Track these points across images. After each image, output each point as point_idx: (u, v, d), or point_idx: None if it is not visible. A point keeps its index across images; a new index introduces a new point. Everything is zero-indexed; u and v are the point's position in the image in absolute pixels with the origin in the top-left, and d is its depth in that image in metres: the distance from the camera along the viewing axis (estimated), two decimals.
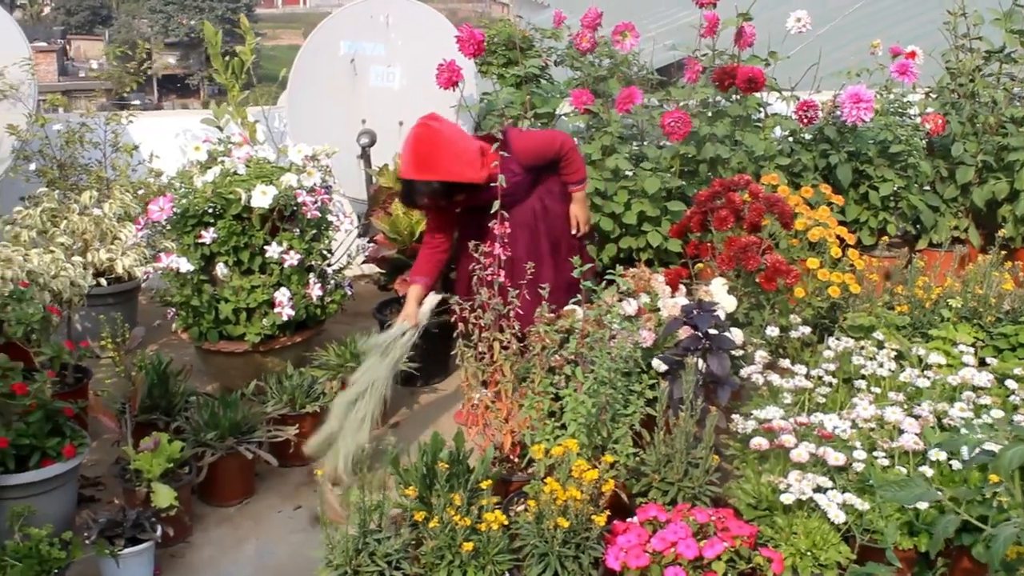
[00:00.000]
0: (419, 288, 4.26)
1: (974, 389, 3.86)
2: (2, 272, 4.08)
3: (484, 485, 3.24)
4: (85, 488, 4.06)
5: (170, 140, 5.80)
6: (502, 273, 3.85)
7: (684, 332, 3.91)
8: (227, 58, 5.66)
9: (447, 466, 3.28)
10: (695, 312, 3.77)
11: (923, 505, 3.18)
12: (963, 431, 3.38)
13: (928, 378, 3.93)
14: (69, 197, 5.07)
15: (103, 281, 4.68)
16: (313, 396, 4.28)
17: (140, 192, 5.26)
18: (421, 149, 4.03)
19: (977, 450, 2.55)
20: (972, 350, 4.15)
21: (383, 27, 5.66)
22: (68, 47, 54.27)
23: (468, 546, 3.09)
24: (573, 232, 4.44)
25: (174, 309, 4.53)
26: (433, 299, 4.22)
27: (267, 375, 4.38)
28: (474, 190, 4.09)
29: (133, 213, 4.97)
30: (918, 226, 5.98)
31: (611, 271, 3.82)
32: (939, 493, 2.54)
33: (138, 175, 5.55)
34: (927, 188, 5.99)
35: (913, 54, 5.87)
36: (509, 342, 3.75)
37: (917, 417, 3.65)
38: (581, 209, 4.47)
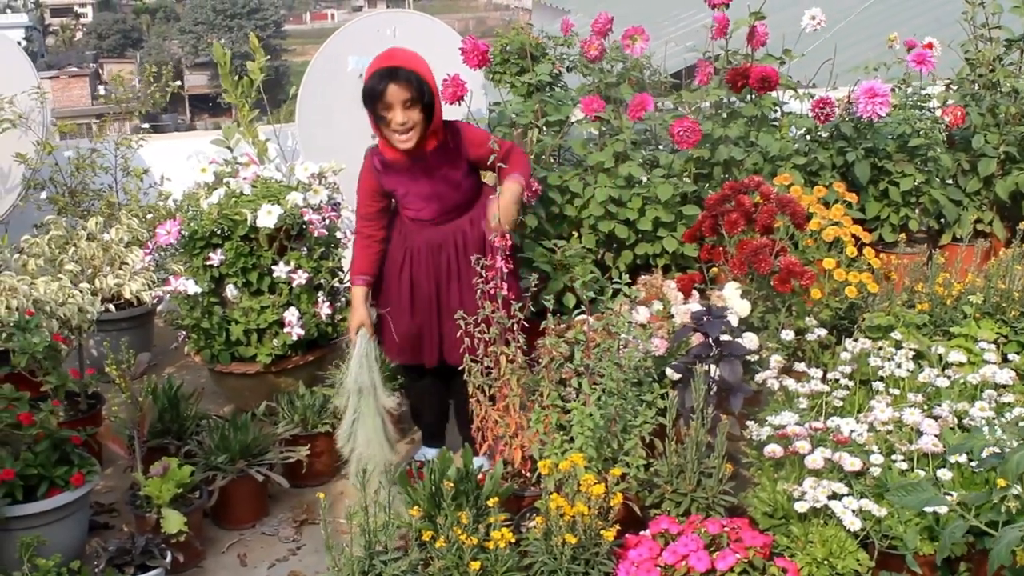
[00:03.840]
0: (364, 289, 4.06)
1: (996, 387, 3.77)
2: (7, 302, 4.08)
3: (491, 503, 3.19)
4: (99, 515, 4.06)
5: (182, 162, 5.79)
6: (505, 287, 3.79)
7: (697, 339, 3.84)
8: (237, 78, 5.64)
9: (452, 485, 3.23)
10: (705, 318, 3.71)
11: (943, 509, 3.10)
12: (984, 431, 3.31)
13: (948, 377, 3.85)
14: (77, 224, 5.07)
15: (111, 307, 4.67)
16: (325, 416, 4.25)
17: (150, 216, 5.25)
18: (399, 50, 3.93)
19: (986, 452, 2.48)
20: (994, 347, 4.06)
21: (390, 41, 5.62)
22: (101, 71, 54.87)
23: (475, 565, 3.03)
24: (489, 235, 3.93)
25: (185, 332, 4.52)
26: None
27: (279, 395, 4.35)
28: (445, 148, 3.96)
29: (142, 238, 4.96)
30: (942, 220, 5.88)
31: (618, 281, 3.76)
32: (948, 498, 2.47)
33: (149, 199, 5.56)
34: (949, 182, 5.88)
35: (931, 44, 5.77)
36: (515, 356, 3.69)
37: (936, 418, 3.56)
38: (507, 202, 3.90)
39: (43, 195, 5.44)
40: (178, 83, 6.11)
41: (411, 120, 3.82)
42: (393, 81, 3.78)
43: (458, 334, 3.77)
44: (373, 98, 3.83)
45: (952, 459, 3.30)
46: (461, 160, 3.98)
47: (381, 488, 3.46)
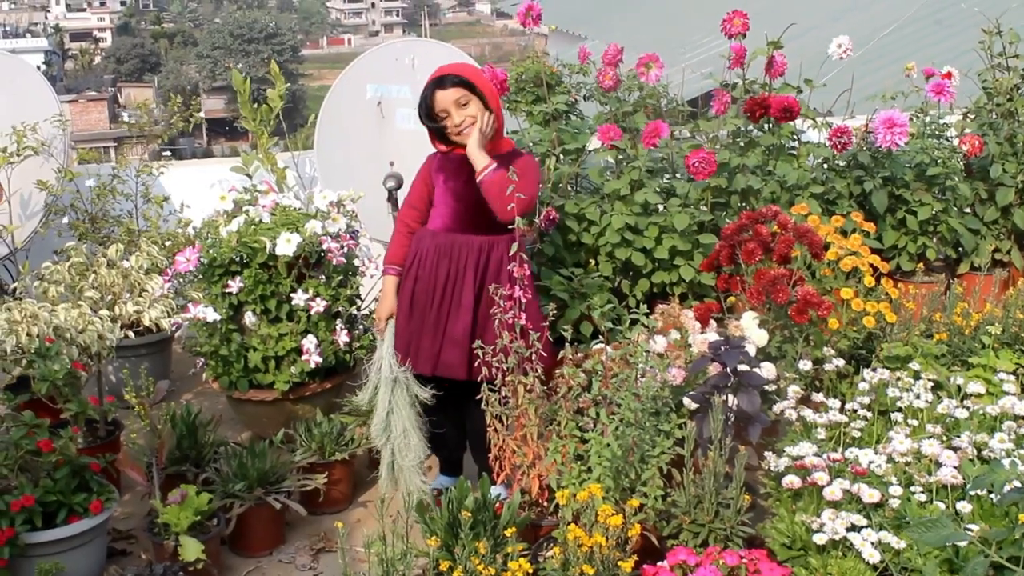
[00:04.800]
0: (395, 279, 4.12)
1: (1015, 418, 3.75)
2: (28, 329, 4.11)
3: (508, 533, 3.19)
4: (117, 542, 4.06)
5: (202, 189, 5.82)
6: (523, 316, 3.80)
7: (714, 369, 3.84)
8: (256, 105, 5.67)
9: (470, 514, 3.23)
10: (722, 348, 3.70)
11: (962, 542, 3.08)
12: (1004, 464, 3.29)
13: (967, 408, 3.84)
14: (98, 251, 5.10)
15: (131, 334, 4.69)
16: (342, 443, 4.26)
17: (169, 243, 5.28)
18: (449, 64, 4.09)
19: (1007, 487, 2.47)
20: (1013, 377, 4.05)
21: (408, 69, 5.66)
22: (119, 95, 55.32)
23: None
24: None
25: (204, 359, 4.54)
26: None
27: (296, 423, 4.36)
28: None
29: (161, 265, 4.99)
30: (959, 250, 5.87)
31: (635, 310, 3.76)
32: (968, 533, 2.46)
33: (169, 226, 5.59)
34: (967, 211, 5.88)
35: (949, 75, 5.77)
36: (533, 385, 3.70)
37: (956, 449, 3.55)
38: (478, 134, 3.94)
39: (64, 221, 5.49)
40: (201, 114, 6.15)
41: (468, 116, 3.94)
42: (439, 87, 3.92)
43: (439, 349, 3.96)
44: (427, 109, 3.97)
45: (972, 491, 3.28)
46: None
47: (415, 483, 3.87)
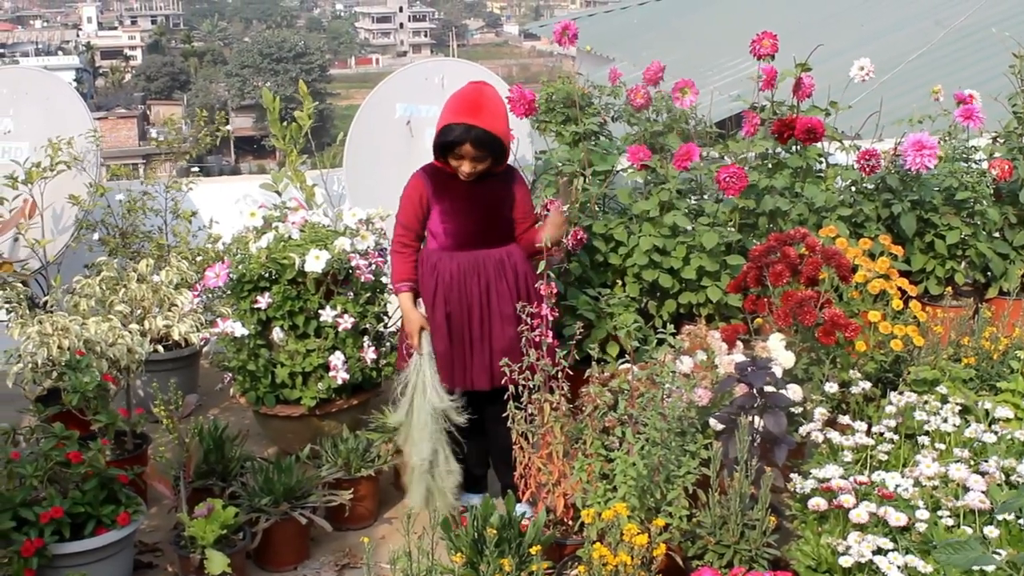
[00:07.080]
0: (410, 294, 4.17)
1: None
2: (59, 341, 4.15)
3: (533, 551, 3.19)
4: (143, 554, 4.08)
5: (231, 206, 5.88)
6: (550, 334, 3.81)
7: (740, 390, 3.84)
8: (285, 123, 5.71)
9: (495, 532, 3.24)
10: (749, 369, 3.70)
11: (990, 567, 3.06)
12: None
13: (995, 433, 3.82)
14: (128, 266, 5.15)
15: (160, 348, 4.72)
16: (368, 459, 4.27)
17: (199, 259, 5.33)
18: (487, 101, 4.03)
19: None
20: None
21: (437, 89, 5.69)
22: (148, 112, 55.75)
23: None
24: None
25: (231, 374, 4.57)
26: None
27: (322, 439, 4.38)
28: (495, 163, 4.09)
29: (190, 280, 5.02)
30: (988, 274, 5.84)
31: (662, 330, 3.77)
32: (996, 557, 2.44)
33: (198, 241, 5.64)
34: (996, 235, 5.85)
35: (972, 96, 5.74)
36: (559, 403, 3.70)
37: (983, 474, 3.53)
38: (556, 220, 4.18)
39: (95, 236, 5.55)
40: (229, 127, 6.22)
41: (477, 170, 4.02)
42: (470, 141, 3.94)
43: (489, 362, 4.01)
44: (446, 149, 4.00)
45: (1000, 516, 3.27)
46: (509, 192, 4.15)
47: (449, 502, 3.98)
